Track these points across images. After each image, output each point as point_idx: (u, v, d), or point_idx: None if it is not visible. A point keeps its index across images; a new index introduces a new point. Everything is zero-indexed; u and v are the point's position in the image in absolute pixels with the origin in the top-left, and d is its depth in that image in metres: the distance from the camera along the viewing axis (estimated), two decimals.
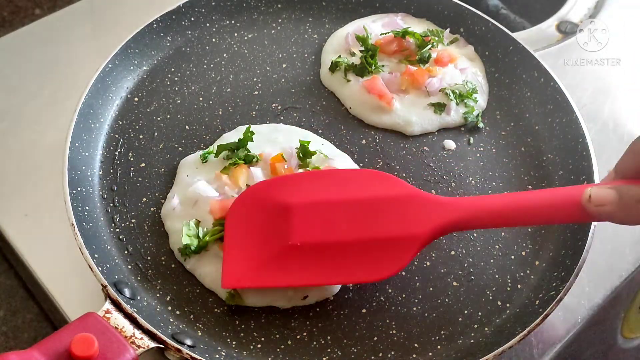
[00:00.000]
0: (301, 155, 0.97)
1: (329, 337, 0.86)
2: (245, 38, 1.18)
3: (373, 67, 1.10)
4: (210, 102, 1.08)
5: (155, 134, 1.03)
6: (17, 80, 1.18)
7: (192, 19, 1.17)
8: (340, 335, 0.86)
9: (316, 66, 1.15)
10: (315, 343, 0.85)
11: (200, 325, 0.85)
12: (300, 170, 0.95)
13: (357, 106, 1.08)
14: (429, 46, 1.12)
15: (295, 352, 0.84)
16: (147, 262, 0.90)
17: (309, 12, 1.23)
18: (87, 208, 0.91)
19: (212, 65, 1.13)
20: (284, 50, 1.17)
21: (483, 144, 1.07)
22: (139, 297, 0.85)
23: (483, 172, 1.03)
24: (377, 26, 1.17)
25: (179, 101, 1.08)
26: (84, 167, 0.95)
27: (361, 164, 1.02)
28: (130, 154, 1.00)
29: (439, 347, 0.86)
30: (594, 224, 0.92)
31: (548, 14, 1.37)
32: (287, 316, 0.87)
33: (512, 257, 0.95)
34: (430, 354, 0.85)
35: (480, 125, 1.08)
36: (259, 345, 0.84)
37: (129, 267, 0.89)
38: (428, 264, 0.93)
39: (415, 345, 0.86)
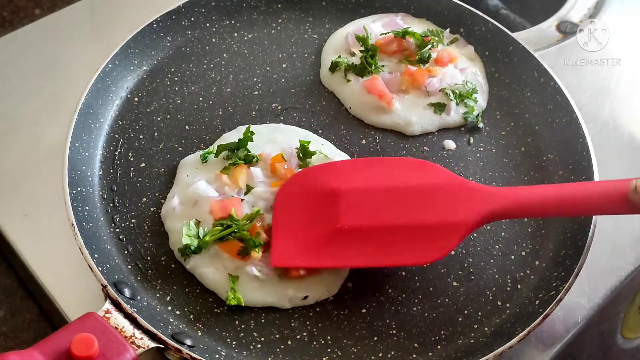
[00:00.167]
0: (301, 155, 0.97)
1: (329, 337, 0.86)
2: (245, 38, 1.18)
3: (373, 67, 1.10)
4: (210, 102, 1.08)
5: (155, 134, 1.03)
6: (17, 80, 1.18)
7: (192, 19, 1.17)
8: (340, 335, 0.86)
9: (316, 66, 1.15)
10: (315, 343, 0.85)
11: (200, 325, 0.85)
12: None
13: (357, 106, 1.08)
14: (429, 46, 1.12)
15: (295, 352, 0.84)
16: (147, 262, 0.90)
17: (309, 12, 1.23)
18: (87, 208, 0.91)
19: (212, 65, 1.13)
20: (284, 50, 1.17)
21: (483, 144, 1.07)
22: (139, 297, 0.85)
23: (483, 172, 1.03)
24: (377, 26, 1.17)
25: (179, 101, 1.08)
26: (84, 167, 0.95)
27: None
28: (130, 154, 1.00)
29: (439, 347, 0.86)
30: (593, 224, 0.92)
31: (548, 14, 1.37)
32: (287, 316, 0.87)
33: (512, 257, 0.95)
34: (430, 354, 0.85)
35: (480, 125, 1.08)
36: (259, 345, 0.84)
37: (129, 267, 0.89)
38: (428, 264, 0.93)
39: (415, 345, 0.86)
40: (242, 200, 0.92)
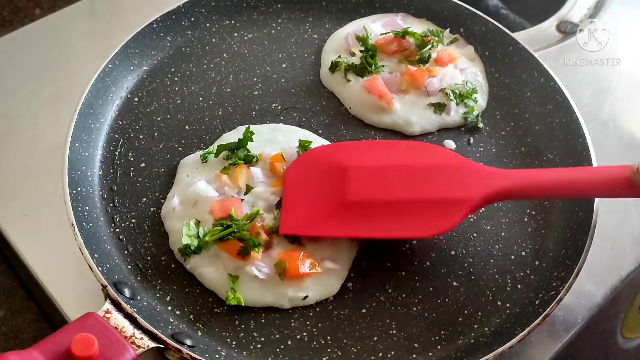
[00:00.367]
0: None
1: (329, 337, 0.86)
2: (245, 38, 1.18)
3: (373, 67, 1.10)
4: (210, 102, 1.08)
5: (155, 134, 1.03)
6: (17, 80, 1.18)
7: (192, 19, 1.17)
8: (340, 335, 0.86)
9: (316, 66, 1.15)
10: (315, 343, 0.85)
11: (200, 325, 0.85)
12: None
13: (357, 106, 1.08)
14: (429, 46, 1.12)
15: (295, 352, 0.84)
16: (147, 262, 0.90)
17: (309, 12, 1.23)
18: (87, 208, 0.91)
19: (212, 65, 1.13)
20: (284, 50, 1.17)
21: (483, 144, 1.07)
22: (139, 297, 0.85)
23: None
24: (377, 26, 1.17)
25: (179, 101, 1.08)
26: (84, 167, 0.95)
27: None
28: (130, 154, 1.00)
29: (439, 347, 0.86)
30: (593, 224, 0.92)
31: (548, 14, 1.37)
32: (287, 316, 0.87)
33: (512, 257, 0.95)
34: (430, 354, 0.85)
35: (480, 125, 1.08)
36: (259, 345, 0.84)
37: (129, 267, 0.89)
38: (428, 264, 0.93)
39: (415, 345, 0.86)
40: (242, 200, 0.92)
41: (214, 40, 1.17)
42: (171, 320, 0.85)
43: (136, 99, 1.07)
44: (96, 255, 0.85)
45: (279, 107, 1.08)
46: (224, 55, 1.15)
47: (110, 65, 1.04)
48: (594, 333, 1.04)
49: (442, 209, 0.85)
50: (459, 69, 1.13)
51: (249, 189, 0.93)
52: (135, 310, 0.79)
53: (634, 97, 1.25)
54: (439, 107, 1.08)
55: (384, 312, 0.88)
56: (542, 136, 1.08)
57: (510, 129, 1.09)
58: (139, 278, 0.88)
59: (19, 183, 1.05)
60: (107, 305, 0.78)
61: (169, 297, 0.87)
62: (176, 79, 1.11)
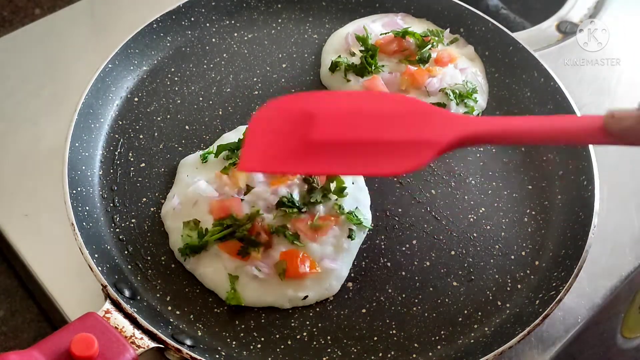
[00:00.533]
0: None
1: (329, 337, 0.86)
2: (245, 38, 1.18)
3: (373, 67, 1.10)
4: (210, 102, 1.08)
5: (155, 134, 1.03)
6: (17, 80, 1.18)
7: (192, 19, 1.17)
8: (340, 335, 0.86)
9: (316, 66, 1.15)
10: (315, 343, 0.85)
11: (200, 325, 0.85)
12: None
13: None
14: (429, 46, 1.12)
15: (295, 352, 0.84)
16: (147, 262, 0.90)
17: (309, 12, 1.23)
18: (87, 208, 0.91)
19: (212, 65, 1.13)
20: (284, 50, 1.17)
21: None
22: (139, 297, 0.85)
23: (483, 172, 1.03)
24: (377, 26, 1.17)
25: (179, 101, 1.08)
26: (84, 167, 0.95)
27: None
28: (130, 154, 1.00)
29: (439, 347, 0.86)
30: (594, 223, 0.92)
31: (548, 14, 1.37)
32: (287, 316, 0.87)
33: (512, 257, 0.95)
34: (430, 354, 0.85)
35: None
36: (259, 345, 0.84)
37: (129, 267, 0.89)
38: (428, 264, 0.93)
39: (415, 345, 0.86)
40: (242, 200, 0.92)
41: (214, 40, 1.17)
42: (171, 320, 0.85)
43: (136, 99, 1.07)
44: (96, 255, 0.85)
45: None
46: (224, 55, 1.15)
47: (110, 65, 1.04)
48: (594, 333, 1.04)
49: (409, 150, 0.83)
50: (459, 69, 1.13)
51: (249, 189, 0.93)
52: (135, 310, 0.79)
53: (634, 97, 1.25)
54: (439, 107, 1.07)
55: (384, 312, 0.88)
56: None
57: None
58: (139, 278, 0.88)
59: (19, 183, 1.05)
60: (107, 305, 0.78)
61: (169, 297, 0.87)
62: (176, 79, 1.11)
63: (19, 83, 1.17)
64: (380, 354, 0.85)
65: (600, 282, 0.99)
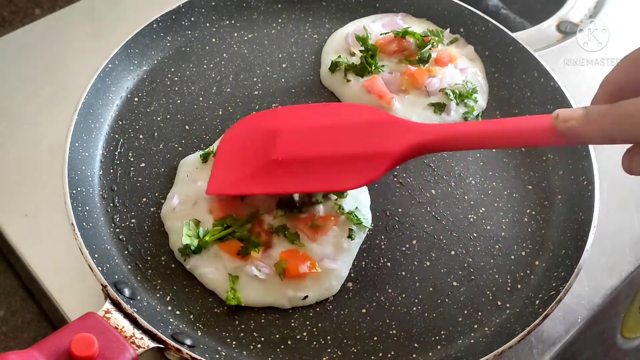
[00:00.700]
0: None
1: (329, 337, 0.86)
2: (245, 38, 1.18)
3: (373, 67, 1.10)
4: (210, 102, 1.08)
5: (155, 134, 1.03)
6: (17, 80, 1.18)
7: (192, 19, 1.17)
8: (340, 335, 0.86)
9: (316, 66, 1.15)
10: (315, 343, 0.85)
11: (200, 325, 0.85)
12: None
13: None
14: (429, 46, 1.12)
15: (295, 352, 0.84)
16: (147, 262, 0.90)
17: (309, 12, 1.23)
18: (87, 208, 0.91)
19: (212, 65, 1.13)
20: (284, 50, 1.17)
21: None
22: (139, 297, 0.85)
23: (483, 172, 1.03)
24: (377, 26, 1.17)
25: (179, 101, 1.08)
26: (84, 167, 0.95)
27: None
28: (130, 154, 1.00)
29: (439, 347, 0.86)
30: (594, 224, 0.92)
31: (548, 14, 1.37)
32: (287, 316, 0.87)
33: (512, 257, 0.95)
34: (430, 354, 0.85)
35: None
36: (259, 345, 0.84)
37: (129, 267, 0.89)
38: (428, 264, 0.93)
39: (415, 345, 0.86)
40: (242, 200, 0.92)
41: (214, 40, 1.17)
42: (171, 320, 0.85)
43: (136, 99, 1.07)
44: (96, 255, 0.85)
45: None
46: (224, 55, 1.15)
47: (110, 65, 1.04)
48: (594, 333, 1.04)
49: (365, 163, 0.86)
50: (459, 69, 1.13)
51: None
52: (135, 310, 0.79)
53: None
54: (439, 107, 1.08)
55: (384, 312, 0.88)
56: None
57: None
58: (139, 278, 0.88)
59: (19, 183, 1.05)
60: (107, 305, 0.78)
61: (169, 297, 0.87)
62: (176, 79, 1.11)
63: (19, 83, 1.17)
64: (380, 354, 0.85)
65: (600, 282, 1.00)
